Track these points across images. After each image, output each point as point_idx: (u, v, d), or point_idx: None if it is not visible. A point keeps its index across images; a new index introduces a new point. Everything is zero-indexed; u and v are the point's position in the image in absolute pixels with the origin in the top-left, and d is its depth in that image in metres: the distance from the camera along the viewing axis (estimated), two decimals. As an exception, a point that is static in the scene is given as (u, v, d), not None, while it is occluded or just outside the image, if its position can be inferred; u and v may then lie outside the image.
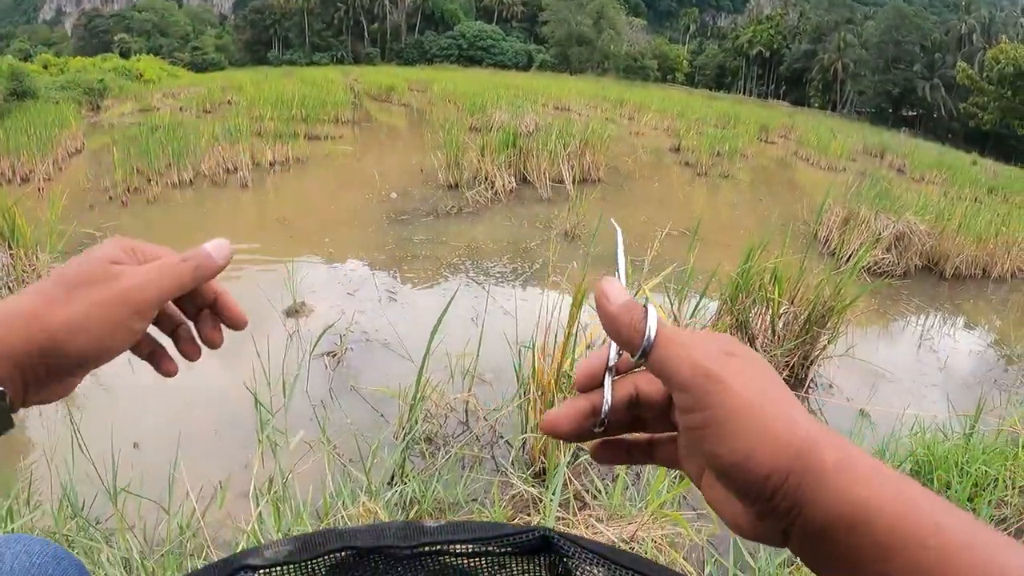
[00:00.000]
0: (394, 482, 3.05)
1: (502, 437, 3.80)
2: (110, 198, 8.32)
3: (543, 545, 0.58)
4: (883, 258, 8.25)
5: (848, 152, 19.94)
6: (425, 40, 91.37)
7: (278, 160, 10.86)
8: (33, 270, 5.33)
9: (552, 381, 3.30)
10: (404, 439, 3.29)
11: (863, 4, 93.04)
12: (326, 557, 0.57)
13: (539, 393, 3.37)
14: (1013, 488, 3.39)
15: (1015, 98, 25.53)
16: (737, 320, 4.46)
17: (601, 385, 0.57)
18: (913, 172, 20.51)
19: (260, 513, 2.51)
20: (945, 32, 76.45)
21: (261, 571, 0.56)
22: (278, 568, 0.57)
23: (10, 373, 0.64)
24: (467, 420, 3.98)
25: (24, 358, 0.65)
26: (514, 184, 9.46)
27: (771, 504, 0.49)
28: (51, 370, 0.67)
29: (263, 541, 2.38)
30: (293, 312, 5.31)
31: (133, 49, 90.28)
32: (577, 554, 0.57)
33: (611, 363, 0.57)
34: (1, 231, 5.42)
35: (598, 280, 0.57)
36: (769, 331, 4.53)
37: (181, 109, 20.79)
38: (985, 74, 28.75)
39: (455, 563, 0.59)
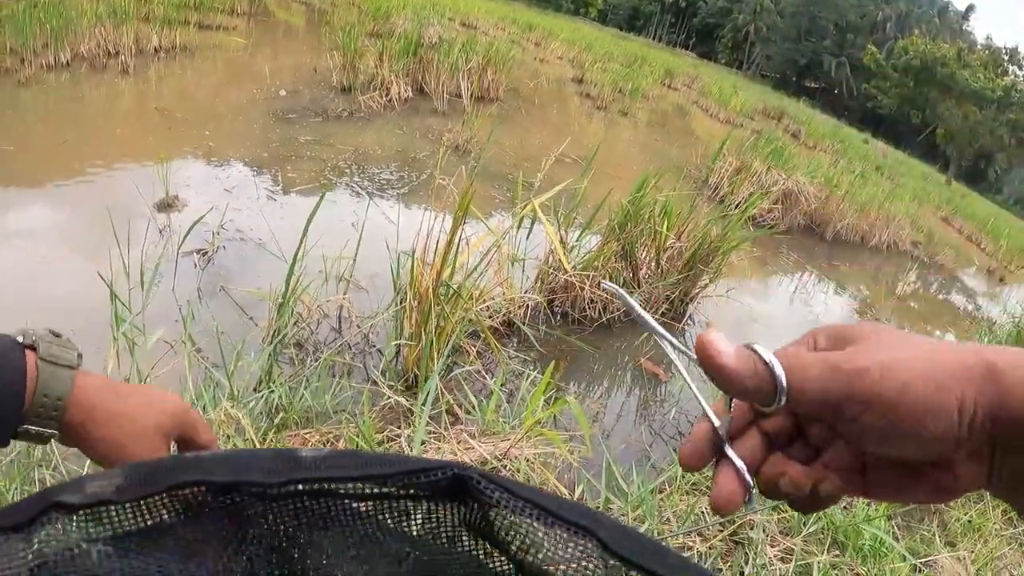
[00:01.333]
0: (260, 389, 2.85)
1: (375, 346, 3.65)
2: None
3: (456, 487, 0.45)
4: (769, 211, 8.41)
5: (748, 109, 20.31)
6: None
7: (164, 47, 10.08)
8: None
9: (430, 289, 3.12)
10: (272, 343, 3.08)
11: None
12: (169, 494, 0.43)
13: (415, 302, 3.19)
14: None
15: (916, 89, 26.63)
16: (623, 248, 4.36)
17: (719, 457, 0.50)
18: (807, 139, 21.18)
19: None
20: (861, 16, 78.54)
21: (81, 512, 0.41)
22: (104, 508, 0.42)
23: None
24: (340, 327, 3.80)
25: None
26: (410, 94, 9.16)
27: (976, 432, 0.44)
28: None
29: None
30: (165, 206, 4.91)
31: None
32: (504, 502, 0.44)
33: (726, 430, 0.50)
34: None
35: (700, 335, 0.48)
36: (654, 263, 4.48)
37: None
38: (891, 62, 29.78)
39: (342, 506, 0.46)
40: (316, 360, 3.24)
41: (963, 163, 34.24)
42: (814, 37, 73.57)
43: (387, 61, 9.30)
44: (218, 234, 4.58)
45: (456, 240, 3.15)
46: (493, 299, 3.73)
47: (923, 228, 13.43)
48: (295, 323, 3.52)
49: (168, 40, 10.23)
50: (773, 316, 5.90)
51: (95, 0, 10.04)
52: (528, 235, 4.03)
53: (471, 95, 9.54)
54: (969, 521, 3.61)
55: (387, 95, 8.75)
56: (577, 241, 4.37)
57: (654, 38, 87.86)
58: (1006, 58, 27.04)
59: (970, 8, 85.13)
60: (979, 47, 29.66)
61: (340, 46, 9.50)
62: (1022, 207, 45.65)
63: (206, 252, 4.35)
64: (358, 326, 3.68)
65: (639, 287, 4.43)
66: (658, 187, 4.85)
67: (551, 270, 4.22)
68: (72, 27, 9.15)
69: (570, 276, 4.10)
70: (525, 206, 3.60)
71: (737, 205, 8.17)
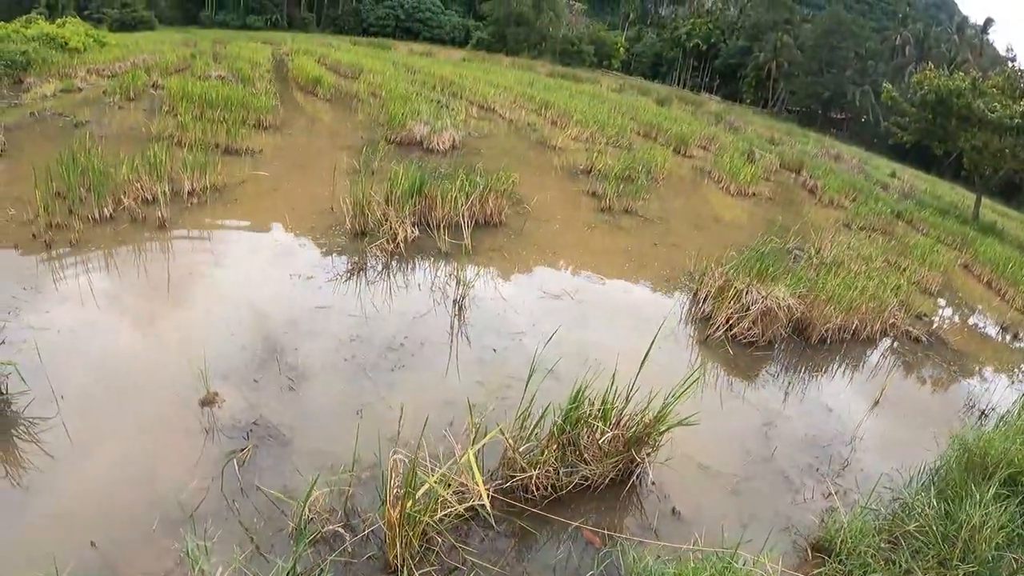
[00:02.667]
0: None
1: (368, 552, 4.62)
2: (33, 236, 8.60)
3: None
4: (750, 329, 8.96)
5: (759, 175, 20.64)
6: (362, 8, 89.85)
7: (196, 189, 11.18)
8: None
9: (396, 520, 4.21)
10: (294, 554, 4.17)
11: (803, 5, 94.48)
12: None
13: (387, 526, 4.29)
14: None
15: (934, 122, 26.70)
16: (568, 442, 5.27)
17: None
18: (823, 194, 21.51)
19: None
20: (881, 41, 78.52)
21: None
22: None
23: None
24: (348, 519, 4.80)
25: None
26: (416, 233, 10.00)
27: None
28: None
29: None
30: (207, 403, 5.80)
31: (60, 2, 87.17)
32: None
33: None
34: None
35: None
36: (596, 448, 5.32)
37: (105, 94, 20.78)
38: (908, 95, 29.88)
39: None
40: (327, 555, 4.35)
41: (991, 186, 34.11)
42: (835, 68, 73.45)
43: (394, 204, 10.20)
44: (251, 432, 5.54)
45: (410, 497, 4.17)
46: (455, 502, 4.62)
47: (933, 291, 13.73)
48: (311, 520, 4.60)
49: (199, 182, 11.18)
50: (725, 459, 6.48)
51: (131, 155, 11.09)
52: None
53: (473, 223, 10.38)
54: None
55: (395, 240, 9.59)
56: (525, 444, 5.30)
57: (678, 83, 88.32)
58: (1023, 81, 26.95)
59: (988, 21, 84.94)
60: (994, 73, 29.38)
61: (351, 195, 10.31)
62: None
63: (243, 449, 5.30)
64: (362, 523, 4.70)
65: (587, 464, 5.34)
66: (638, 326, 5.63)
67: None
68: (112, 173, 10.22)
69: (521, 476, 5.05)
70: (463, 455, 4.59)
71: (718, 327, 8.91)
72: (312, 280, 8.57)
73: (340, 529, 4.60)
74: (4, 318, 6.49)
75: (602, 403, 5.42)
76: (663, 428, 5.59)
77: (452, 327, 7.85)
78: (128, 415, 5.56)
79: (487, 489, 4.39)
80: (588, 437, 5.33)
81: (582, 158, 17.90)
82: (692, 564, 4.44)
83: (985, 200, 31.91)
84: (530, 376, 5.28)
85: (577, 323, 8.54)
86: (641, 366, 5.52)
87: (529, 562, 4.74)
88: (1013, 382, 10.32)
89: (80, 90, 22.44)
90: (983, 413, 8.75)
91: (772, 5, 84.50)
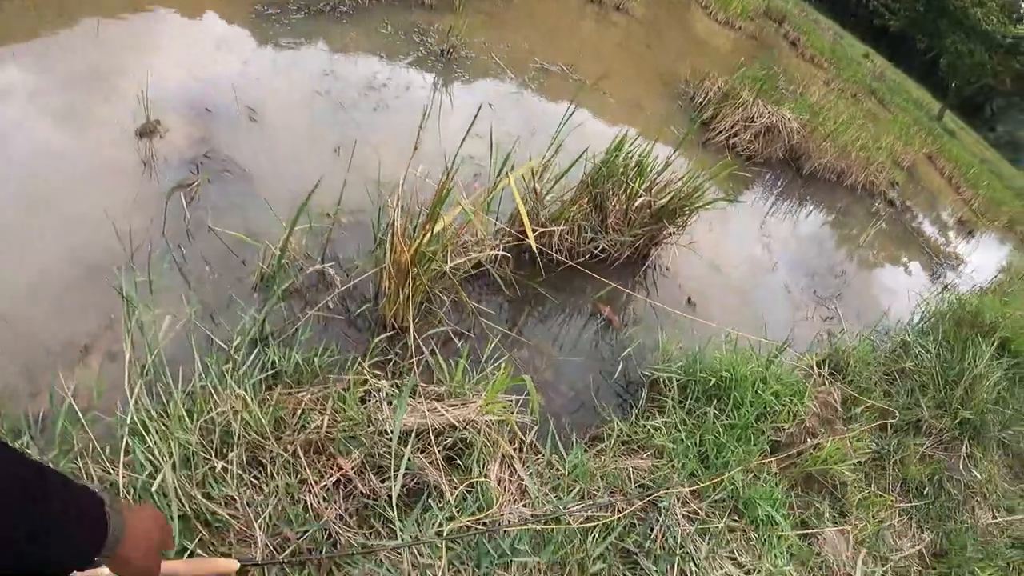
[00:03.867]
0: (257, 349, 3.17)
1: (358, 290, 3.92)
2: None
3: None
4: (751, 143, 8.66)
5: (748, 11, 20.14)
6: None
7: None
8: None
9: (408, 260, 3.45)
10: (266, 305, 3.41)
11: None
12: None
13: (395, 268, 3.50)
14: (792, 419, 3.92)
15: (925, 15, 26.35)
16: (594, 202, 4.70)
17: None
18: (805, 49, 21.12)
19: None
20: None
21: None
22: None
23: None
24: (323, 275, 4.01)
25: None
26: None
27: None
28: None
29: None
30: (147, 132, 4.69)
31: None
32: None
33: None
34: None
35: None
36: (622, 214, 4.78)
37: None
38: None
39: None
40: (303, 310, 3.60)
41: (959, 97, 34.32)
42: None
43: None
44: (202, 164, 4.59)
45: (438, 209, 3.43)
46: (467, 251, 4.03)
47: (904, 166, 13.82)
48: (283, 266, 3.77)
49: None
50: (733, 262, 6.24)
51: None
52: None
53: None
54: (864, 498, 4.12)
55: (375, -29, 8.64)
56: (547, 196, 4.65)
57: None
58: (1024, 6, 26.88)
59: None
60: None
61: None
62: (1011, 150, 45.83)
63: (191, 186, 4.33)
64: (340, 285, 3.91)
65: (607, 233, 4.79)
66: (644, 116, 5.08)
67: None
68: None
69: (541, 228, 4.45)
70: (500, 178, 3.91)
71: (720, 132, 8.55)
72: (277, 16, 7.40)
73: (321, 277, 3.90)
74: None
75: (638, 162, 4.85)
76: (697, 205, 5.09)
77: (440, 77, 7.05)
78: (45, 146, 4.31)
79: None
80: (616, 200, 4.77)
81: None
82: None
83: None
84: (564, 120, 4.59)
85: (576, 99, 7.94)
86: (677, 150, 5.02)
87: (543, 333, 4.26)
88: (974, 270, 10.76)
89: None
90: (946, 287, 8.91)
91: None
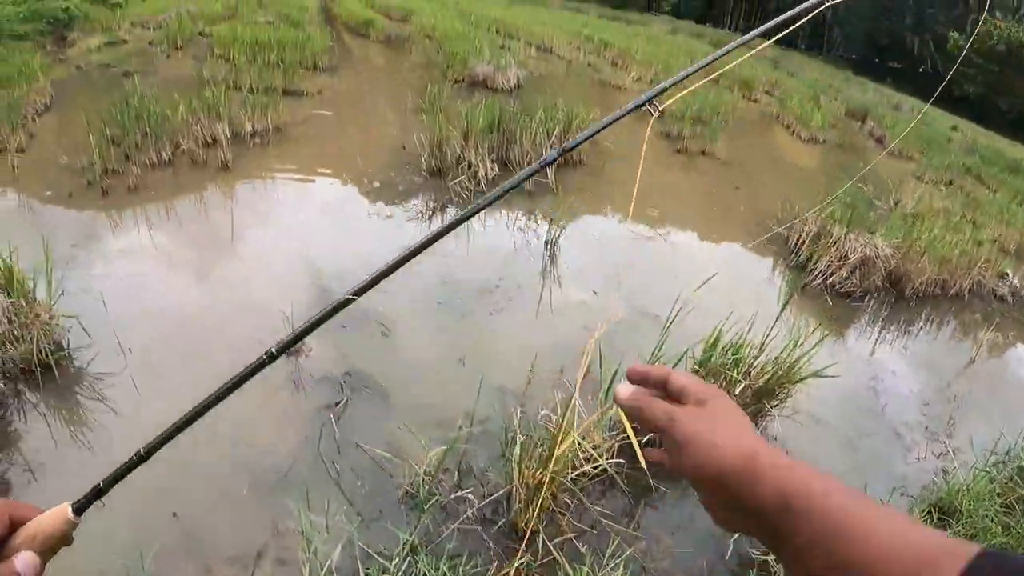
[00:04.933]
0: (408, 559, 3.54)
1: (498, 512, 4.19)
2: (89, 183, 8.23)
3: None
4: (847, 278, 8.62)
5: (829, 119, 20.15)
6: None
7: (258, 130, 10.86)
8: (36, 316, 5.07)
9: (538, 481, 3.75)
10: (417, 524, 3.83)
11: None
12: None
13: (524, 487, 3.75)
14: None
15: (1002, 74, 25.83)
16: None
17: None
18: (892, 145, 20.82)
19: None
20: (938, -13, 75.84)
21: None
22: None
23: None
24: (460, 482, 4.36)
25: None
26: (496, 171, 9.56)
27: (733, 496, 0.78)
28: None
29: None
30: (293, 353, 5.35)
31: None
32: None
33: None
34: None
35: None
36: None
37: (151, 44, 20.50)
38: (975, 46, 28.87)
39: None
40: (445, 522, 3.95)
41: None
42: (893, 14, 71.33)
43: (472, 140, 9.78)
44: (345, 382, 5.10)
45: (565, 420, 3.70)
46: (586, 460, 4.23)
47: (1011, 249, 13.04)
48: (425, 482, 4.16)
49: (260, 122, 10.83)
50: (838, 415, 6.18)
51: (189, 95, 10.76)
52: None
53: (554, 171, 9.79)
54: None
55: (475, 178, 9.21)
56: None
57: (731, 27, 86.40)
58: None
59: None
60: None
61: (423, 113, 9.89)
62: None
63: (337, 404, 4.88)
64: (481, 484, 4.31)
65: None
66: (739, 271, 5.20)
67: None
68: (168, 117, 9.90)
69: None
70: (607, 407, 4.17)
71: (816, 274, 8.53)
72: (391, 220, 8.26)
73: (461, 492, 4.22)
74: (63, 269, 6.00)
75: (735, 351, 5.01)
76: (797, 379, 5.18)
77: (547, 268, 7.49)
78: (203, 367, 5.12)
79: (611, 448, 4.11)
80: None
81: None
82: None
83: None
84: (670, 321, 4.84)
85: (673, 266, 8.14)
86: (775, 320, 5.16)
87: (659, 524, 4.41)
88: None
89: (125, 42, 22.09)
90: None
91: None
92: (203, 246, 7.30)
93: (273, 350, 1.08)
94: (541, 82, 17.52)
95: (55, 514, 0.90)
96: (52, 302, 5.23)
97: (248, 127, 10.71)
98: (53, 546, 0.89)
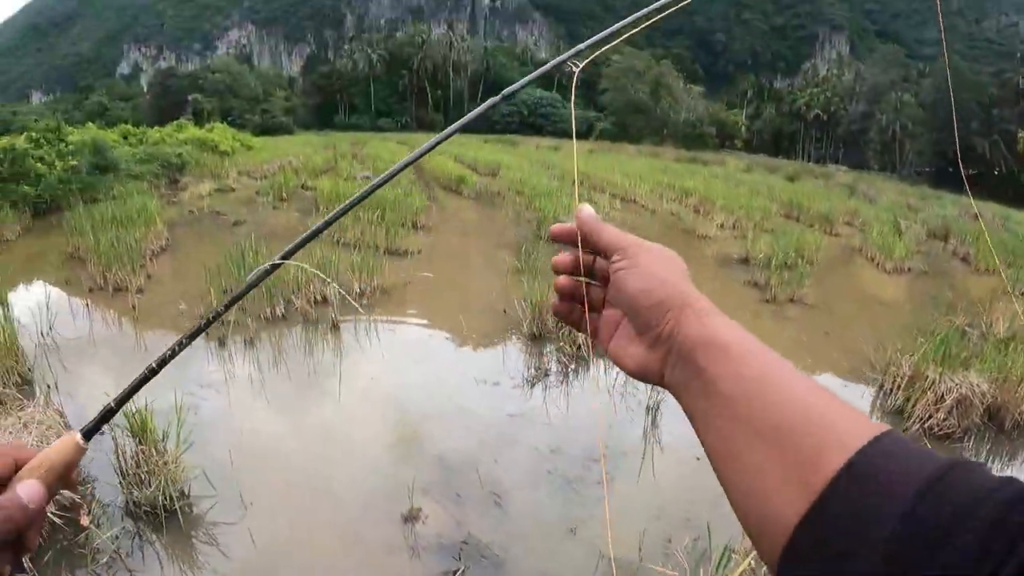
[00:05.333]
0: None
1: None
2: (207, 333, 8.67)
3: None
4: (945, 419, 8.45)
5: (912, 246, 20.00)
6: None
7: (365, 291, 11.57)
8: (164, 464, 5.54)
9: None
10: None
11: (916, 59, 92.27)
12: None
13: None
14: None
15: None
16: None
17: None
18: (978, 263, 20.44)
19: None
20: (1000, 85, 75.26)
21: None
22: None
23: None
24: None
25: None
26: (594, 331, 9.75)
27: (659, 330, 0.81)
28: None
29: None
30: (411, 518, 5.59)
31: (206, 109, 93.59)
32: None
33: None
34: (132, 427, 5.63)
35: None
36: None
37: (257, 194, 21.75)
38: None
39: None
40: None
41: None
42: (960, 122, 70.53)
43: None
44: (462, 551, 5.25)
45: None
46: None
47: None
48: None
49: (366, 282, 11.53)
50: None
51: (302, 258, 11.46)
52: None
53: None
54: None
55: (575, 342, 9.46)
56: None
57: (802, 157, 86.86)
58: None
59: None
60: None
61: (523, 288, 10.33)
62: None
63: (455, 572, 5.01)
64: None
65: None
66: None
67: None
68: (280, 279, 10.60)
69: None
70: None
71: (913, 419, 8.44)
72: (498, 386, 8.53)
73: None
74: (188, 417, 6.32)
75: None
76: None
77: (648, 433, 7.60)
78: (321, 527, 5.46)
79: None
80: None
81: (733, 246, 17.77)
82: None
83: None
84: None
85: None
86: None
87: None
88: None
89: (233, 190, 23.60)
90: None
91: (888, 65, 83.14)
92: (315, 402, 7.79)
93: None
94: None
95: (63, 442, 0.87)
96: (180, 451, 5.69)
97: (356, 287, 11.43)
98: (61, 474, 0.85)
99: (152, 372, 0.98)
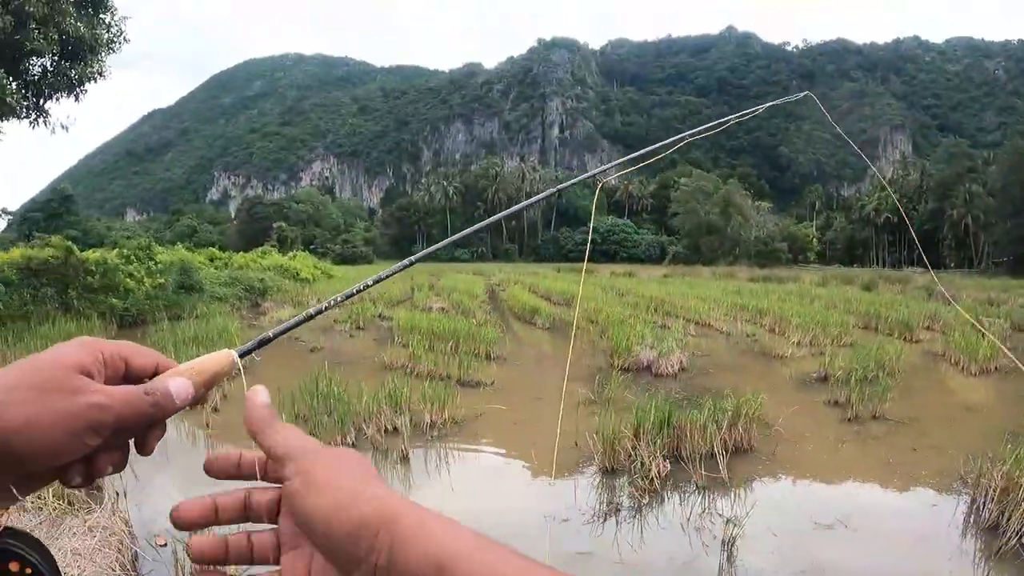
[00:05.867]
0: None
1: None
2: None
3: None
4: None
5: (996, 345, 19.34)
6: (561, 236, 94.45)
7: (436, 422, 11.47)
8: None
9: None
10: None
11: (980, 148, 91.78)
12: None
13: None
14: None
15: None
16: None
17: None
18: None
19: None
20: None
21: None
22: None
23: None
24: None
25: None
26: (668, 467, 9.43)
27: (371, 561, 0.63)
28: None
29: None
30: None
31: (289, 237, 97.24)
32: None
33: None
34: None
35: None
36: None
37: (336, 322, 22.16)
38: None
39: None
40: None
41: None
42: (1030, 204, 68.89)
43: (643, 437, 9.84)
44: None
45: None
46: None
47: None
48: None
49: (438, 413, 11.51)
50: None
51: (372, 383, 11.57)
52: None
53: (725, 464, 9.54)
54: None
55: (648, 476, 9.09)
56: None
57: (877, 262, 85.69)
58: None
59: None
60: None
61: (598, 430, 10.06)
62: None
63: None
64: None
65: None
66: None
67: None
68: (354, 402, 10.73)
69: None
70: None
71: (1009, 535, 7.76)
72: (568, 523, 8.18)
73: None
74: None
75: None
76: None
77: (725, 571, 7.17)
78: None
79: None
80: None
81: (811, 364, 17.18)
82: None
83: None
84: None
85: (860, 555, 7.68)
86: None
87: None
88: None
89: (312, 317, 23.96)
90: None
91: (952, 158, 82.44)
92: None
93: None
94: (704, 361, 17.68)
95: (219, 354, 0.89)
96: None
97: (427, 418, 11.31)
98: (208, 382, 0.86)
99: (309, 317, 1.11)
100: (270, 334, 1.01)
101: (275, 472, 0.79)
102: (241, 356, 0.92)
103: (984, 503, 8.54)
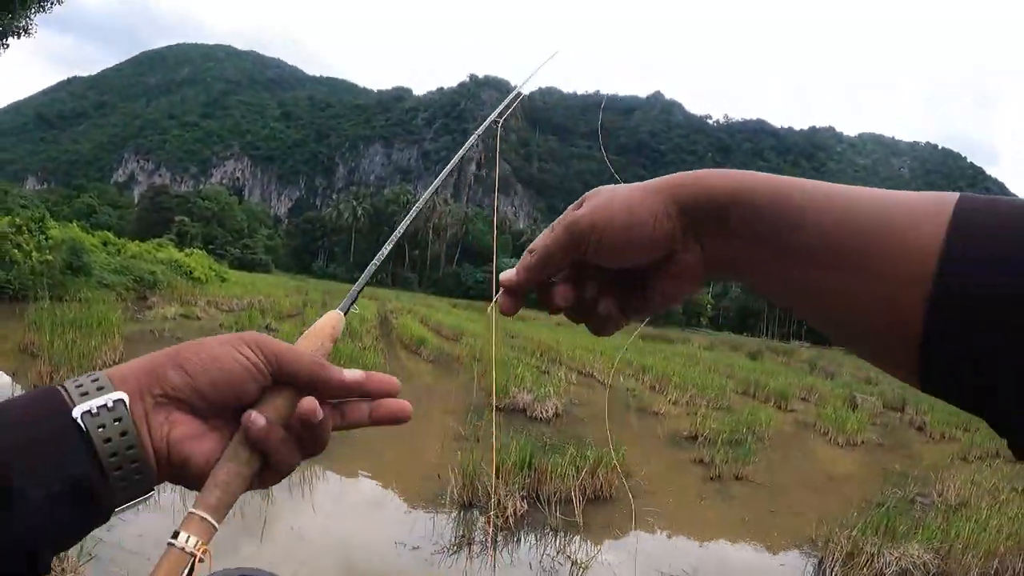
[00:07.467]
0: None
1: None
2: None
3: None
4: None
5: (867, 419, 20.08)
6: (462, 272, 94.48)
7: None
8: None
9: None
10: None
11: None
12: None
13: None
14: None
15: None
16: None
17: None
18: (932, 430, 21.19)
19: None
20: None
21: None
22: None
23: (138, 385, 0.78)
24: None
25: (148, 379, 0.79)
26: (525, 508, 9.33)
27: (689, 194, 0.68)
28: (173, 395, 0.80)
29: None
30: None
31: (190, 234, 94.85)
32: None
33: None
34: None
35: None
36: None
37: (221, 327, 21.68)
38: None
39: None
40: None
41: None
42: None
43: (504, 476, 9.69)
44: None
45: None
46: None
47: None
48: None
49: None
50: None
51: None
52: None
53: (581, 510, 9.47)
54: None
55: (504, 514, 8.98)
56: None
57: (767, 334, 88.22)
58: None
59: None
60: None
61: (459, 465, 9.92)
62: None
63: None
64: None
65: None
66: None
67: None
68: None
69: None
70: None
71: None
72: (418, 551, 8.01)
73: None
74: None
75: None
76: None
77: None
78: None
79: None
80: None
81: (685, 423, 17.27)
82: None
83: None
84: None
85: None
86: None
87: None
88: None
89: (199, 319, 23.47)
90: None
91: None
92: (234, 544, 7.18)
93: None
94: (580, 410, 17.73)
95: (330, 315, 0.89)
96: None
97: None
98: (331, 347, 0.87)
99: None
100: (359, 288, 0.97)
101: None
102: (344, 312, 0.92)
103: (831, 565, 8.75)
